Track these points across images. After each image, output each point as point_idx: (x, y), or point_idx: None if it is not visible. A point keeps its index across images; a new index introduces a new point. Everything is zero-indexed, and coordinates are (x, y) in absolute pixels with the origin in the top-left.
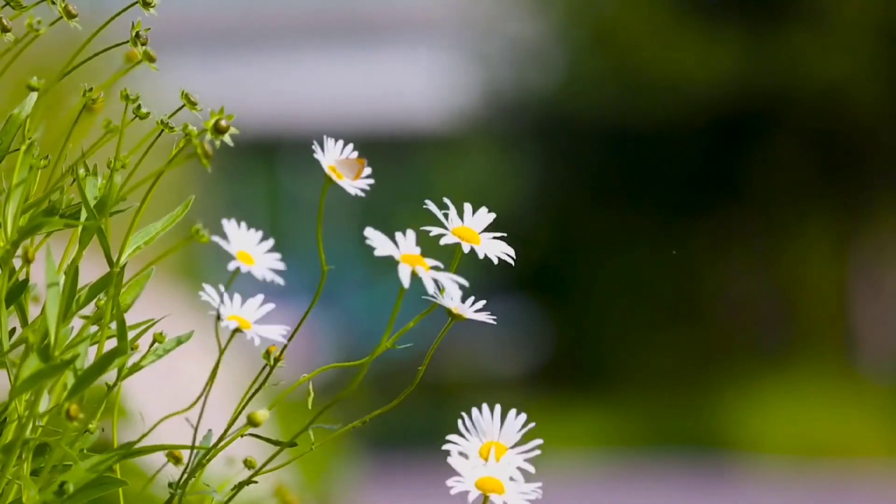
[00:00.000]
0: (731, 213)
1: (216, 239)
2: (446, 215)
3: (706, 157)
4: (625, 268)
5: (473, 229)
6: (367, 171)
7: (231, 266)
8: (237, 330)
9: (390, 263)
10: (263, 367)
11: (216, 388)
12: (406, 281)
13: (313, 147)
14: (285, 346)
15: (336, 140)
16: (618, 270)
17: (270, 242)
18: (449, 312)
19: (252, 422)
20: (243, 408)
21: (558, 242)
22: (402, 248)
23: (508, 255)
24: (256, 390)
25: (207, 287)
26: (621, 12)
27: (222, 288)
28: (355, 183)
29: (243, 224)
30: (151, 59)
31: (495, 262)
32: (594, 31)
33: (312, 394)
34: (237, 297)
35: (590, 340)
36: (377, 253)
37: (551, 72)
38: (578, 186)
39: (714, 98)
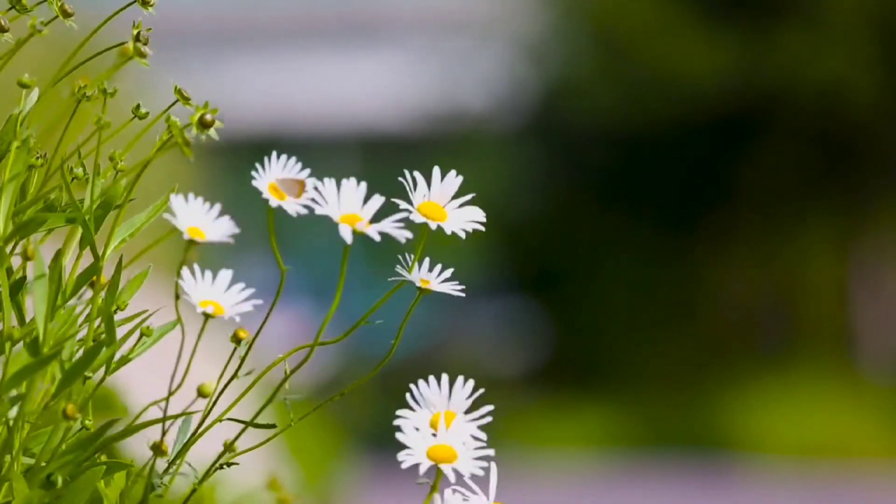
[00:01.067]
0: (731, 213)
1: (167, 217)
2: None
3: (706, 157)
4: (625, 267)
5: (440, 203)
6: (308, 190)
7: (185, 238)
8: (210, 316)
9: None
10: (279, 375)
11: (212, 381)
12: (348, 238)
13: (253, 172)
14: (264, 334)
15: (280, 155)
16: (618, 270)
17: (222, 214)
18: (417, 288)
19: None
20: (218, 397)
21: (558, 242)
22: (343, 208)
23: (478, 223)
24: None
25: (185, 273)
26: (619, 11)
27: (198, 273)
28: (297, 201)
29: (192, 197)
30: (142, 56)
31: (462, 235)
32: (593, 29)
33: (288, 371)
34: (208, 278)
35: (590, 340)
36: (318, 211)
37: (550, 71)
38: (578, 186)
39: (713, 97)
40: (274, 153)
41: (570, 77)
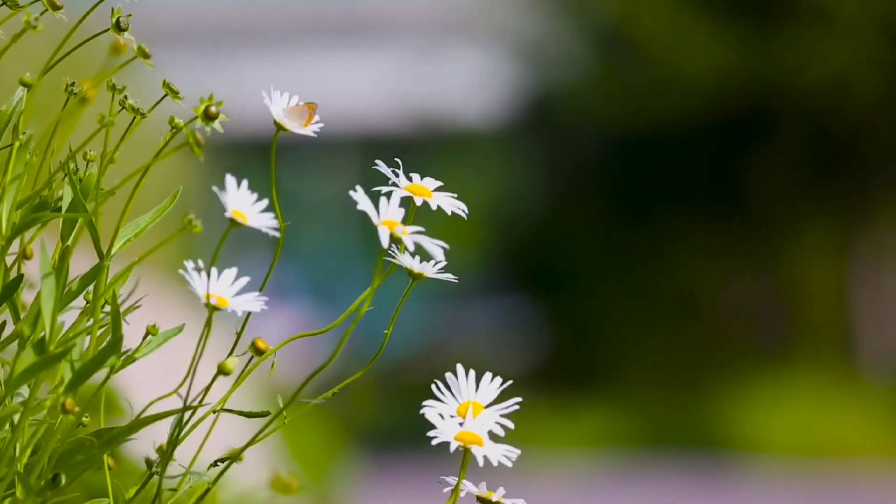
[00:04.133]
0: (732, 212)
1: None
2: (395, 174)
3: (706, 156)
4: (624, 267)
5: (426, 187)
6: (317, 116)
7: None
8: (215, 308)
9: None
10: (267, 364)
11: (208, 378)
12: (385, 241)
13: (263, 95)
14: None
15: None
16: (617, 270)
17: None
18: (410, 273)
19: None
20: (226, 400)
21: (557, 242)
22: (383, 214)
23: (461, 210)
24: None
25: (188, 264)
26: (620, 8)
27: (200, 264)
28: (305, 129)
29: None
30: (146, 56)
31: (448, 212)
32: (593, 27)
33: (275, 366)
34: (214, 274)
35: (589, 340)
36: (359, 207)
37: (549, 69)
38: (577, 185)
39: (715, 95)
40: (271, 86)
41: (570, 75)
